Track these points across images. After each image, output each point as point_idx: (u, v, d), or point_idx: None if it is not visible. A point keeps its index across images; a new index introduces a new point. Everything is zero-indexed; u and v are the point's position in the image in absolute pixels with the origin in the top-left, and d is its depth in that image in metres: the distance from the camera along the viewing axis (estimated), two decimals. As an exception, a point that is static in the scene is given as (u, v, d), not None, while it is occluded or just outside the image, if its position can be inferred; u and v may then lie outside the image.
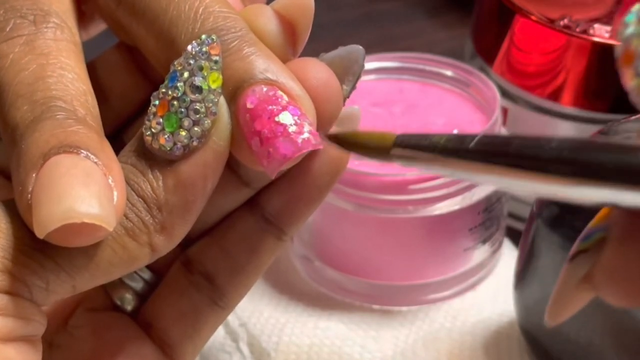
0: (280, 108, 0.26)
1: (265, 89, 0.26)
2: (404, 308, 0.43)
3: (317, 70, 0.28)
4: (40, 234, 0.24)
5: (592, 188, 0.23)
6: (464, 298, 0.43)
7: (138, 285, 0.33)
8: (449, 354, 0.40)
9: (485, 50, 0.48)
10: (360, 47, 0.29)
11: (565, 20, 0.43)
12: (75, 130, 0.25)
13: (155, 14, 0.28)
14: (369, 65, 0.45)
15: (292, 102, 0.26)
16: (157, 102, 0.27)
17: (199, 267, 0.32)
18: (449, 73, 0.44)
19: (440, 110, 0.43)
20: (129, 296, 0.32)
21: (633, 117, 0.36)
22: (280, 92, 0.26)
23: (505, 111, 0.45)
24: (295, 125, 0.26)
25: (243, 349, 0.40)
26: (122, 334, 0.31)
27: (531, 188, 0.25)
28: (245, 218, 0.31)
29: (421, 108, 0.43)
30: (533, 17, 0.44)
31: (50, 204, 0.24)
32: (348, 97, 0.29)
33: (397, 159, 0.28)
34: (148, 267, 0.33)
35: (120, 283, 0.33)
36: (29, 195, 0.24)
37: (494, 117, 0.41)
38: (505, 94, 0.45)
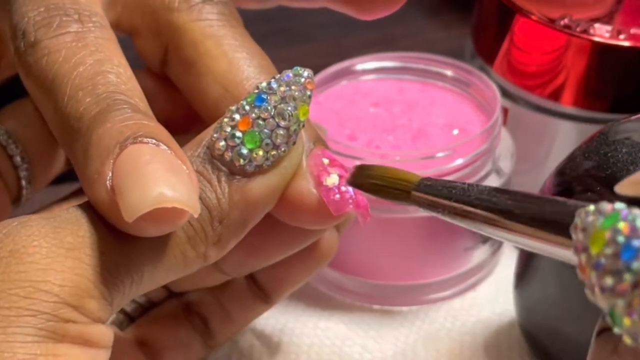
0: None
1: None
2: (404, 308, 0.43)
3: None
4: (129, 217, 0.23)
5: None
6: (464, 298, 0.43)
7: (129, 306, 0.34)
8: (449, 354, 0.40)
9: (485, 50, 0.47)
10: None
11: (566, 20, 0.43)
12: (146, 123, 0.25)
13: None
14: (369, 65, 0.45)
15: None
16: (238, 117, 0.27)
17: (197, 309, 0.34)
18: (449, 73, 0.44)
19: (440, 110, 0.43)
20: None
21: (633, 117, 0.36)
22: None
23: (505, 111, 0.45)
24: None
25: (243, 348, 0.40)
26: (118, 345, 0.32)
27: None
28: (240, 279, 0.34)
29: (421, 108, 0.43)
30: (533, 17, 0.44)
31: (141, 189, 0.23)
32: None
33: (415, 203, 0.28)
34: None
35: None
36: (109, 182, 0.24)
37: (494, 117, 0.41)
38: (505, 93, 0.45)
